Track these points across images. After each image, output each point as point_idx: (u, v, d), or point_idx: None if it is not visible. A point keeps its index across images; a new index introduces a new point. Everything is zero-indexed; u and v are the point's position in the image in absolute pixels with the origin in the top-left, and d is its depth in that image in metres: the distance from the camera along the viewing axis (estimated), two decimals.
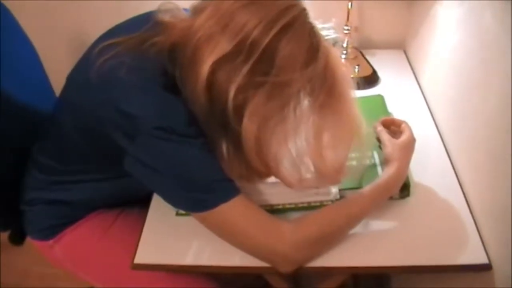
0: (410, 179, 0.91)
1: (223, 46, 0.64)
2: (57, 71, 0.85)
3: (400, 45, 1.37)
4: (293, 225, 0.76)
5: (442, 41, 1.08)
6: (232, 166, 0.74)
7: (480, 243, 0.82)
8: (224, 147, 0.73)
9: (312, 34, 0.66)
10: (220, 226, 0.76)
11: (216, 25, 0.65)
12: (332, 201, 0.86)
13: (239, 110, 0.66)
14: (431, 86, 1.15)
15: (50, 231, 0.95)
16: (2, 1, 1.05)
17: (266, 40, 0.62)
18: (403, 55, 1.35)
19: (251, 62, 0.63)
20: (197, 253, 0.84)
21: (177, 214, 0.89)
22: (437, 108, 1.10)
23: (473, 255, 0.81)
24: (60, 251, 0.96)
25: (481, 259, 0.80)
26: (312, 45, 0.66)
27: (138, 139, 0.69)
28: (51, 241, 0.95)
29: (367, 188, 0.81)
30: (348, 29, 1.23)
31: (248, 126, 0.67)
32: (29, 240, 1.00)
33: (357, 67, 1.24)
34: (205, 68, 0.64)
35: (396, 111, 1.10)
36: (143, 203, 0.93)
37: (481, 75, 0.87)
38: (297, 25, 0.64)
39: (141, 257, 0.83)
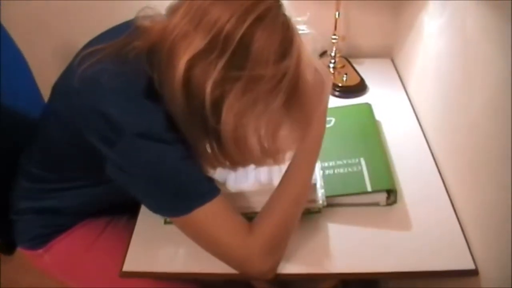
0: (396, 186, 0.92)
1: (197, 43, 0.64)
2: (47, 81, 0.85)
3: (388, 54, 1.39)
4: (252, 232, 0.76)
5: (427, 49, 1.10)
6: (217, 160, 0.75)
7: (467, 248, 0.83)
8: (207, 144, 0.74)
9: (285, 26, 0.66)
10: (195, 231, 0.76)
11: (190, 23, 0.65)
12: (319, 208, 0.87)
13: (217, 105, 0.66)
14: (418, 94, 1.17)
15: (40, 240, 0.95)
16: None
17: (239, 34, 0.63)
18: (391, 64, 1.36)
19: (225, 57, 0.63)
20: (186, 261, 0.84)
21: (166, 222, 0.90)
22: (423, 116, 1.12)
23: (460, 260, 0.81)
24: (49, 260, 0.96)
25: (468, 264, 0.81)
26: (286, 38, 0.66)
27: (117, 145, 0.69)
28: (40, 251, 0.95)
29: (295, 160, 0.81)
30: (335, 38, 1.24)
31: (226, 121, 0.67)
32: (18, 250, 1.00)
33: (345, 76, 1.25)
34: (181, 65, 0.64)
35: (384, 119, 1.12)
36: (132, 212, 0.94)
37: (463, 81, 0.89)
38: (270, 16, 0.64)
39: (129, 265, 0.84)
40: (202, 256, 0.82)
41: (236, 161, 0.76)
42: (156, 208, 0.77)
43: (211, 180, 0.75)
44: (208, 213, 0.73)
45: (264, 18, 0.64)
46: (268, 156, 0.75)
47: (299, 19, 0.71)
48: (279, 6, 0.66)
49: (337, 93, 1.23)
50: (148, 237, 0.89)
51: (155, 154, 0.70)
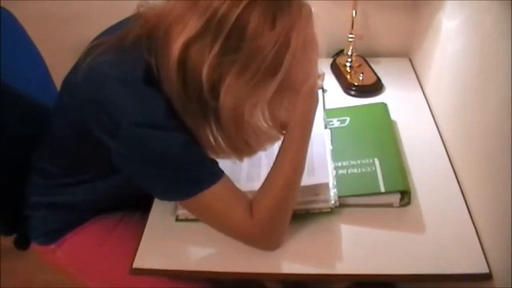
0: (410, 187, 0.91)
1: (192, 25, 0.64)
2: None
3: (406, 53, 1.37)
4: (253, 206, 0.77)
5: (445, 49, 1.08)
6: (219, 147, 0.76)
7: (481, 251, 0.81)
8: (207, 130, 0.74)
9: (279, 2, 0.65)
10: (203, 212, 0.79)
11: (185, 5, 0.65)
12: (331, 208, 0.86)
13: (214, 87, 0.67)
14: (435, 94, 1.15)
15: (53, 235, 0.96)
16: (13, 11, 1.08)
17: (234, 16, 0.62)
18: (409, 63, 1.34)
19: (221, 39, 0.63)
20: (197, 259, 0.84)
21: (177, 219, 0.90)
22: (440, 116, 1.10)
23: (474, 264, 0.80)
24: (62, 256, 0.97)
25: (482, 268, 0.79)
26: (278, 8, 0.64)
27: (119, 134, 0.70)
28: (53, 246, 0.96)
29: (288, 133, 0.80)
30: (352, 37, 1.23)
31: (225, 102, 0.68)
32: (32, 246, 1.02)
33: (361, 75, 1.24)
34: (176, 48, 0.64)
35: (400, 119, 1.10)
36: (145, 208, 0.94)
37: (479, 81, 0.87)
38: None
39: (140, 262, 0.84)
40: (214, 255, 0.84)
41: (238, 147, 0.77)
42: (163, 194, 0.78)
43: (214, 162, 0.76)
44: (214, 195, 0.74)
45: (257, 2, 0.63)
46: (267, 136, 0.76)
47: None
48: None
49: (353, 93, 1.22)
50: (159, 234, 0.89)
51: (156, 142, 0.70)
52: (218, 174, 0.75)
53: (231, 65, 0.65)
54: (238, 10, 0.62)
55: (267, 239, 0.81)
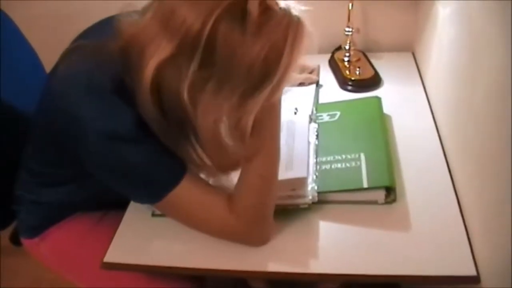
0: (398, 184, 0.86)
1: (164, 48, 0.62)
2: None
3: (409, 47, 1.31)
4: (231, 202, 0.76)
5: (441, 39, 1.02)
6: (203, 164, 0.75)
7: (470, 253, 0.76)
8: (190, 149, 0.74)
9: (246, 11, 0.61)
10: (175, 213, 0.79)
11: (157, 25, 0.64)
12: (309, 204, 0.82)
13: (193, 107, 0.65)
14: (433, 87, 1.09)
15: (36, 229, 0.96)
16: (13, 11, 1.09)
17: (206, 33, 0.60)
18: (411, 58, 1.28)
19: (196, 59, 0.62)
20: (170, 254, 0.82)
21: (153, 215, 0.88)
22: (437, 110, 1.04)
23: (461, 266, 0.74)
24: (45, 250, 0.97)
25: (469, 271, 0.74)
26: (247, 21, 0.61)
27: (85, 144, 0.71)
28: (36, 239, 0.97)
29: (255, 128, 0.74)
30: (349, 31, 1.19)
31: (204, 122, 0.67)
32: None
33: (358, 69, 1.19)
34: (149, 72, 0.64)
35: (396, 114, 1.06)
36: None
37: (468, 70, 0.82)
38: (233, 10, 0.61)
39: (111, 256, 0.83)
40: (187, 251, 0.82)
41: (222, 164, 0.76)
42: (135, 198, 0.79)
43: (178, 162, 0.75)
44: (181, 194, 0.74)
45: (226, 13, 0.60)
46: (247, 148, 0.73)
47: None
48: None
49: (349, 88, 1.17)
50: (135, 229, 0.88)
51: (122, 152, 0.71)
52: (183, 172, 0.74)
53: (208, 79, 0.64)
54: (208, 28, 0.60)
55: (249, 235, 0.79)
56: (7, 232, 1.10)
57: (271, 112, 0.76)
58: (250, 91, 0.65)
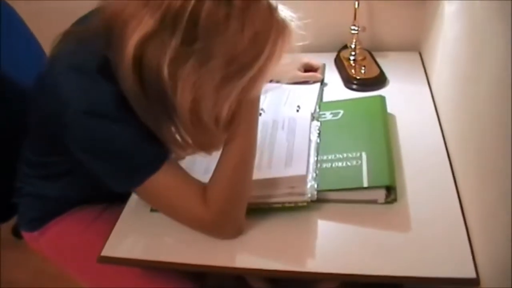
0: (400, 183, 0.85)
1: (147, 22, 0.62)
2: None
3: (416, 47, 1.29)
4: (206, 193, 0.76)
5: (446, 37, 1.01)
6: (185, 142, 0.75)
7: (470, 255, 0.74)
8: (172, 128, 0.74)
9: None
10: (153, 199, 0.80)
11: (139, 1, 0.63)
12: (307, 202, 0.81)
13: (174, 84, 0.65)
14: (438, 86, 1.08)
15: (36, 223, 0.97)
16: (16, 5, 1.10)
17: (188, 9, 0.60)
18: (418, 57, 1.27)
19: (178, 34, 0.62)
20: (167, 250, 0.82)
21: (152, 210, 0.88)
22: (442, 110, 1.03)
23: (461, 268, 0.73)
24: (45, 243, 0.98)
25: (469, 273, 0.72)
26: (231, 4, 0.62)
27: (66, 121, 0.71)
28: (36, 233, 0.97)
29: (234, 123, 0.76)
30: (355, 30, 1.17)
31: (183, 99, 0.66)
32: None
33: (363, 68, 1.18)
34: (130, 47, 0.63)
35: (400, 113, 1.05)
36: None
37: (472, 67, 0.80)
38: None
39: (109, 250, 0.83)
40: (185, 247, 0.82)
41: (204, 143, 0.76)
42: (113, 184, 0.77)
43: (159, 148, 0.75)
44: (162, 180, 0.74)
45: None
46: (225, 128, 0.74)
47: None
48: None
49: (354, 86, 1.16)
50: (133, 224, 0.88)
51: (100, 131, 0.71)
52: (161, 159, 0.74)
53: (189, 56, 0.64)
54: (191, 4, 0.60)
55: (220, 226, 0.79)
56: (9, 225, 1.11)
57: (250, 108, 0.77)
58: (230, 76, 0.66)
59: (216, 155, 0.79)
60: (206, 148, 0.78)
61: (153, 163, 0.74)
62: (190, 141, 0.74)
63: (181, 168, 0.77)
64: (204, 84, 0.65)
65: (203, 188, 0.77)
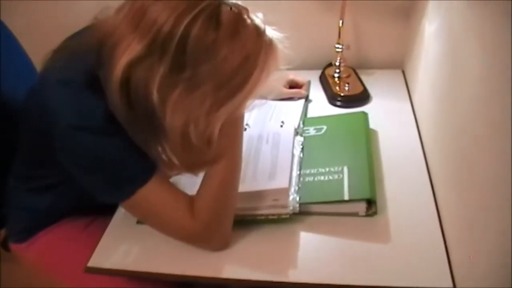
0: (381, 197, 0.87)
1: (135, 47, 0.64)
2: None
3: (399, 65, 1.33)
4: (194, 205, 0.78)
5: (427, 56, 1.04)
6: (171, 162, 0.76)
7: (447, 266, 0.77)
8: (159, 148, 0.75)
9: (222, 21, 0.64)
10: (140, 213, 0.81)
11: (129, 24, 0.65)
12: (290, 214, 0.83)
13: (163, 106, 0.66)
14: (420, 103, 1.11)
15: (25, 234, 0.98)
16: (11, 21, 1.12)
17: (177, 35, 0.62)
18: (401, 75, 1.31)
19: (166, 60, 0.63)
20: (153, 261, 0.83)
21: (138, 222, 0.90)
22: (423, 125, 1.06)
23: (438, 278, 0.75)
24: (33, 255, 0.98)
25: (446, 283, 0.74)
26: (223, 32, 0.64)
27: (56, 135, 0.72)
28: (24, 245, 0.98)
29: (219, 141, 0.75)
30: (340, 48, 1.21)
31: (174, 122, 0.68)
32: None
33: (347, 85, 1.21)
34: (118, 70, 0.65)
35: (382, 129, 1.07)
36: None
37: (450, 84, 0.84)
38: (206, 14, 0.63)
39: (95, 261, 0.84)
40: (170, 258, 0.83)
41: (190, 164, 0.77)
42: (100, 195, 0.78)
43: (148, 161, 0.75)
44: (148, 193, 0.75)
45: (199, 16, 0.63)
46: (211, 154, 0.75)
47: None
48: (218, 4, 0.65)
49: (338, 103, 1.19)
50: (119, 236, 0.89)
51: (89, 145, 0.72)
52: (149, 173, 0.75)
53: (178, 82, 0.65)
54: (180, 30, 0.62)
55: (207, 238, 0.80)
56: None
57: (235, 124, 0.78)
58: (221, 100, 0.67)
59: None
60: (193, 168, 0.79)
61: (142, 175, 0.75)
62: (176, 162, 0.75)
63: (169, 181, 0.79)
64: (194, 109, 0.67)
65: (190, 200, 0.78)
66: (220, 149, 0.76)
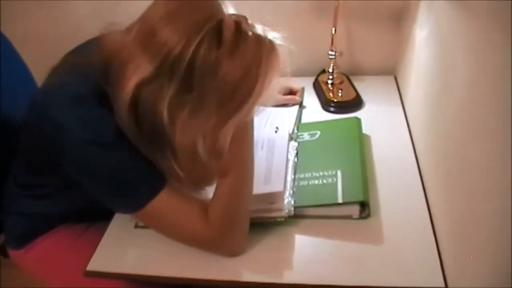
0: (374, 199, 0.89)
1: (144, 68, 0.65)
2: None
3: (391, 71, 1.36)
4: (208, 211, 0.78)
5: (419, 62, 1.07)
6: (179, 179, 0.77)
7: (439, 266, 0.78)
8: (167, 163, 0.75)
9: (221, 34, 0.65)
10: (155, 223, 0.81)
11: (138, 44, 0.67)
12: (285, 217, 0.85)
13: (171, 128, 0.68)
14: (412, 109, 1.13)
15: (23, 240, 0.99)
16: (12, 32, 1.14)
17: (187, 57, 0.63)
18: (393, 81, 1.33)
19: (175, 81, 0.65)
20: (152, 264, 0.85)
21: (136, 226, 0.91)
22: (414, 130, 1.08)
23: (430, 278, 0.77)
24: (31, 260, 0.99)
25: (438, 283, 0.76)
26: (228, 47, 0.65)
27: (67, 150, 0.74)
28: (22, 250, 0.99)
29: (229, 148, 0.76)
30: (333, 54, 1.23)
31: (183, 141, 0.69)
32: None
33: (340, 91, 1.23)
34: (128, 89, 0.66)
35: (375, 134, 1.09)
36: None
37: (441, 89, 0.86)
38: (211, 31, 0.64)
39: (94, 265, 0.85)
40: (168, 261, 0.84)
41: (196, 179, 0.78)
42: (112, 206, 0.80)
43: (158, 173, 0.76)
44: (162, 202, 0.76)
45: (206, 37, 0.64)
46: (222, 164, 0.76)
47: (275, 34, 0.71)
48: (220, 20, 0.66)
49: (332, 109, 1.21)
50: (118, 239, 0.90)
51: (101, 159, 0.73)
52: (160, 184, 0.76)
53: (187, 101, 0.66)
54: (190, 52, 0.63)
55: (223, 244, 0.81)
56: None
57: (244, 130, 0.79)
58: (228, 114, 0.69)
59: None
60: (199, 184, 0.80)
61: (155, 185, 0.76)
62: (184, 178, 0.76)
63: (179, 190, 0.79)
64: (203, 126, 0.68)
65: (204, 207, 0.79)
66: (231, 158, 0.76)
